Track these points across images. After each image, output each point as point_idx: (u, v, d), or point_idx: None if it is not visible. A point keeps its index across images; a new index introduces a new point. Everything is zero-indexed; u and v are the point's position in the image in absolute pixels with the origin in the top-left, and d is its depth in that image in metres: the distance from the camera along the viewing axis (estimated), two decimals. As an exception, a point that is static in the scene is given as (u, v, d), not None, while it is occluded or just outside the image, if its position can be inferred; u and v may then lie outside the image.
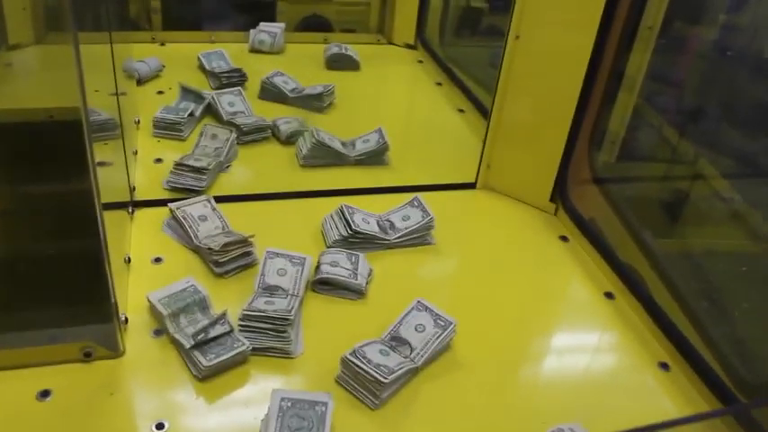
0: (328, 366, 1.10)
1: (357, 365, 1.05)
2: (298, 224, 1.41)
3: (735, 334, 1.25)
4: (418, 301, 1.18)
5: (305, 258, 1.26)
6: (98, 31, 1.22)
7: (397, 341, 1.13)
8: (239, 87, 1.82)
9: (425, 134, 1.87)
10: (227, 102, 1.75)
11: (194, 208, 1.36)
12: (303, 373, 1.11)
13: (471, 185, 1.60)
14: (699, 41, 1.97)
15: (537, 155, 1.50)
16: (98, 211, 0.97)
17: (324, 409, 1.00)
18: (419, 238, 1.39)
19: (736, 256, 1.51)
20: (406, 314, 1.17)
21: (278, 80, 1.87)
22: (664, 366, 1.19)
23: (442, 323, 1.15)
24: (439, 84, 2.12)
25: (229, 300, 1.19)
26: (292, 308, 1.14)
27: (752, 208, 1.64)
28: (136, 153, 1.58)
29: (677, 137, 1.90)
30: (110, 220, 1.13)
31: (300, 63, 2.11)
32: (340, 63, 2.12)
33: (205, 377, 1.07)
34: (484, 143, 1.54)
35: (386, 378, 1.04)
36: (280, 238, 1.35)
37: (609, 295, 1.33)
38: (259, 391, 1.06)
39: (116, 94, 1.29)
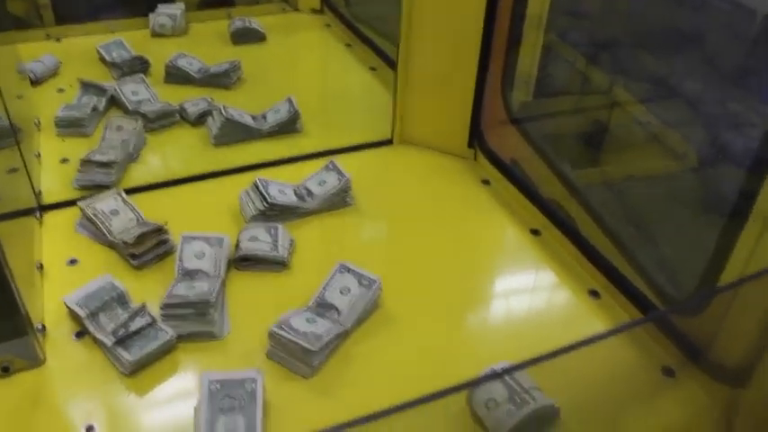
0: (258, 342, 1.08)
1: (284, 337, 1.04)
2: (215, 205, 1.38)
3: (660, 254, 1.27)
4: (341, 264, 1.17)
5: (222, 238, 1.23)
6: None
7: (323, 307, 1.12)
8: (141, 75, 1.76)
9: (339, 97, 1.85)
10: (131, 91, 1.70)
11: (104, 203, 1.31)
12: (233, 353, 1.09)
13: (389, 142, 1.58)
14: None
15: (449, 102, 1.49)
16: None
17: (254, 385, 0.98)
18: (338, 201, 1.37)
19: (657, 179, 1.53)
20: (330, 279, 1.15)
21: (182, 62, 1.82)
22: (594, 294, 1.20)
23: (366, 282, 1.14)
24: (348, 45, 2.09)
25: (152, 291, 1.16)
26: (213, 290, 1.11)
27: (668, 129, 1.66)
28: (39, 156, 1.52)
29: (592, 69, 1.91)
30: (10, 229, 1.08)
31: (205, 42, 2.05)
32: (245, 37, 2.06)
33: (132, 372, 1.04)
34: (394, 97, 1.52)
35: (314, 346, 1.03)
36: (198, 222, 1.32)
37: (535, 232, 1.33)
38: (190, 378, 1.05)
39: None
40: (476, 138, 1.49)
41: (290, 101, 1.62)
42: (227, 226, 1.31)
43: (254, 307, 1.16)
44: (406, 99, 1.52)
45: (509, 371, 0.84)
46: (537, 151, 1.48)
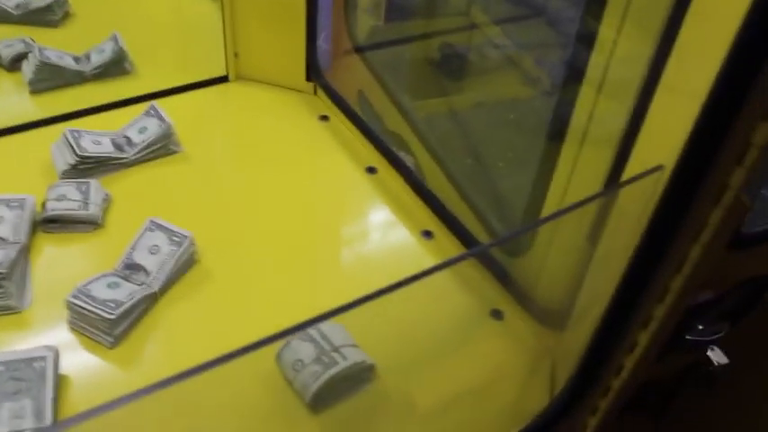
0: (64, 313, 0.99)
1: (80, 306, 0.96)
2: (27, 161, 1.25)
3: (493, 188, 1.22)
4: (151, 221, 1.08)
5: (24, 199, 1.12)
6: None
7: (131, 268, 1.03)
8: (-52, 14, 1.58)
9: (173, 31, 1.70)
10: (-64, 34, 1.52)
11: None
12: (34, 326, 1.00)
13: (224, 79, 1.47)
14: None
15: (281, 33, 1.38)
16: None
17: (43, 364, 0.90)
18: (161, 149, 1.27)
19: (506, 106, 1.47)
20: (139, 237, 1.06)
21: (-3, -2, 1.64)
22: (427, 234, 1.15)
23: (177, 239, 1.05)
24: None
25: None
26: (8, 259, 1.01)
27: (522, 51, 1.60)
28: None
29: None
30: None
31: (31, -27, 1.85)
32: (79, -34, 1.87)
33: None
34: (224, 30, 1.40)
35: (112, 314, 0.94)
36: (6, 182, 1.20)
37: (371, 170, 1.26)
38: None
39: None
40: (313, 70, 1.39)
41: (115, 38, 1.47)
42: (38, 185, 1.19)
43: (61, 273, 1.07)
44: (238, 32, 1.40)
45: (302, 326, 0.77)
46: (379, 82, 1.40)
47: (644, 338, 0.80)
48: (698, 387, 1.02)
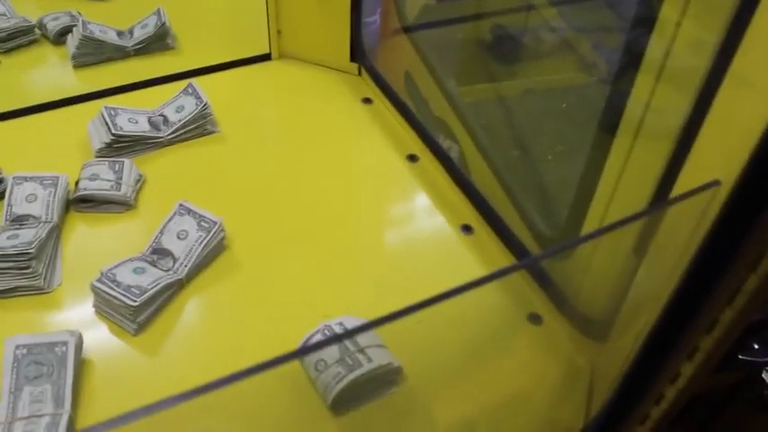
0: (90, 295, 0.98)
1: (104, 291, 0.94)
2: (65, 137, 1.24)
3: (541, 183, 1.15)
4: (180, 205, 1.05)
5: (58, 177, 1.11)
6: None
7: (159, 253, 1.01)
8: (-3, -16, 1.57)
9: (218, 8, 1.65)
10: (-16, 5, 1.52)
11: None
12: (61, 307, 0.99)
13: (267, 57, 1.43)
14: None
15: (326, 11, 1.33)
16: None
17: (64, 349, 0.88)
18: (198, 128, 1.24)
19: (560, 92, 1.39)
20: (168, 221, 1.04)
21: (47, -32, 1.63)
22: (467, 229, 1.09)
23: (206, 225, 1.02)
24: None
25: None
26: (37, 239, 1.00)
27: (579, 35, 1.51)
28: None
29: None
30: None
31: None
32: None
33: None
34: (267, 7, 1.35)
35: (135, 300, 0.92)
36: (42, 158, 1.19)
37: (412, 158, 1.21)
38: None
39: None
40: (358, 51, 1.34)
41: (159, 13, 1.45)
42: (73, 162, 1.17)
43: (91, 254, 1.05)
44: (282, 9, 1.36)
45: (327, 342, 0.74)
46: (427, 64, 1.34)
47: (707, 344, 0.73)
48: (750, 407, 0.94)
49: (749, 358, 0.86)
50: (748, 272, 0.56)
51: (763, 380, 0.87)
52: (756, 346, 0.86)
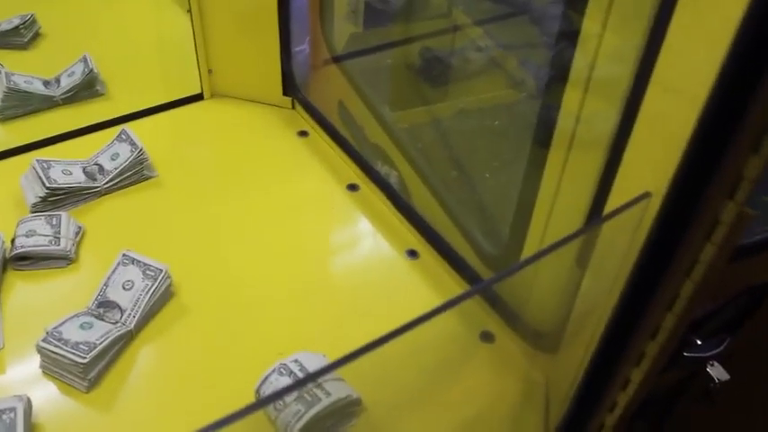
0: (36, 356, 0.95)
1: (51, 351, 0.91)
2: (-4, 194, 1.21)
3: (481, 202, 1.17)
4: (124, 254, 1.03)
5: (-8, 237, 1.08)
6: None
7: (105, 306, 0.99)
8: None
9: (147, 50, 1.64)
10: None
11: None
12: (5, 371, 0.96)
13: (199, 97, 1.42)
14: None
15: (255, 48, 1.34)
16: None
17: (12, 415, 0.86)
18: (135, 174, 1.22)
19: (491, 111, 1.42)
20: (112, 272, 1.02)
21: (-37, 22, 1.59)
22: (412, 254, 1.11)
23: (152, 273, 1.01)
24: (166, -16, 1.88)
25: None
26: (-25, 302, 0.97)
27: (506, 52, 1.55)
28: None
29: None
30: None
31: (-1, -8, 1.81)
32: (48, -17, 1.83)
33: None
34: (196, 46, 1.35)
35: (84, 357, 0.90)
36: (-27, 216, 1.16)
37: (352, 187, 1.22)
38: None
39: None
40: (290, 84, 1.35)
41: (85, 60, 1.43)
42: (9, 219, 1.14)
43: (34, 313, 1.03)
44: (210, 48, 1.36)
45: (288, 389, 0.74)
46: (359, 92, 1.36)
47: (653, 349, 0.75)
48: (699, 403, 0.98)
49: (694, 354, 0.89)
50: (684, 278, 0.58)
51: (708, 373, 0.90)
52: (699, 342, 0.90)
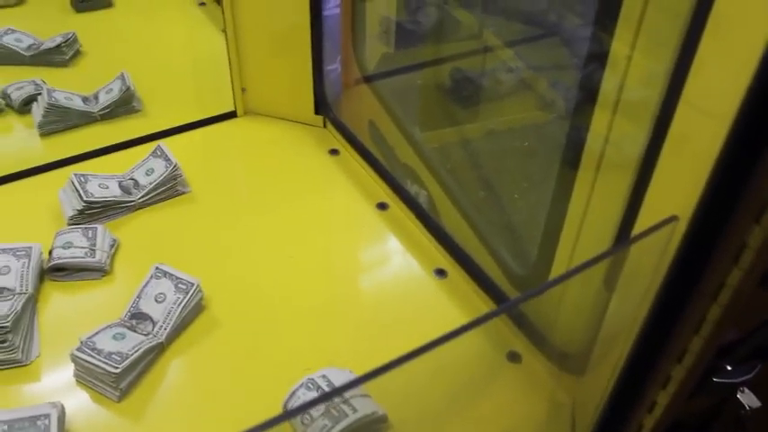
0: (70, 365, 0.97)
1: (85, 360, 0.94)
2: (36, 206, 1.24)
3: (509, 222, 1.18)
4: (156, 268, 1.06)
5: (31, 248, 1.11)
6: None
7: (137, 318, 1.01)
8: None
9: (184, 68, 1.68)
10: (-52, 78, 1.52)
11: None
12: (41, 379, 0.98)
13: (233, 115, 1.45)
14: None
15: (288, 67, 1.36)
16: None
17: (47, 422, 0.88)
18: (169, 190, 1.25)
19: (521, 131, 1.43)
20: (145, 285, 1.04)
21: (8, 39, 1.64)
22: (440, 273, 1.11)
23: (184, 286, 1.03)
24: (203, 4, 1.92)
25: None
26: (13, 311, 0.99)
27: (536, 74, 1.56)
28: None
29: (462, 11, 1.77)
30: None
31: (43, 11, 1.87)
32: (90, 2, 1.88)
33: None
34: (230, 65, 1.38)
35: (117, 367, 0.92)
36: (13, 228, 1.19)
37: (382, 206, 1.23)
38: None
39: None
40: (322, 103, 1.37)
41: (122, 77, 1.47)
42: (46, 231, 1.17)
43: (68, 323, 1.05)
44: (244, 66, 1.39)
45: (315, 402, 0.75)
46: (390, 112, 1.37)
47: (679, 373, 0.75)
48: (730, 430, 0.96)
49: (723, 380, 0.88)
50: (711, 302, 0.58)
51: (739, 400, 0.89)
52: (729, 368, 0.88)
